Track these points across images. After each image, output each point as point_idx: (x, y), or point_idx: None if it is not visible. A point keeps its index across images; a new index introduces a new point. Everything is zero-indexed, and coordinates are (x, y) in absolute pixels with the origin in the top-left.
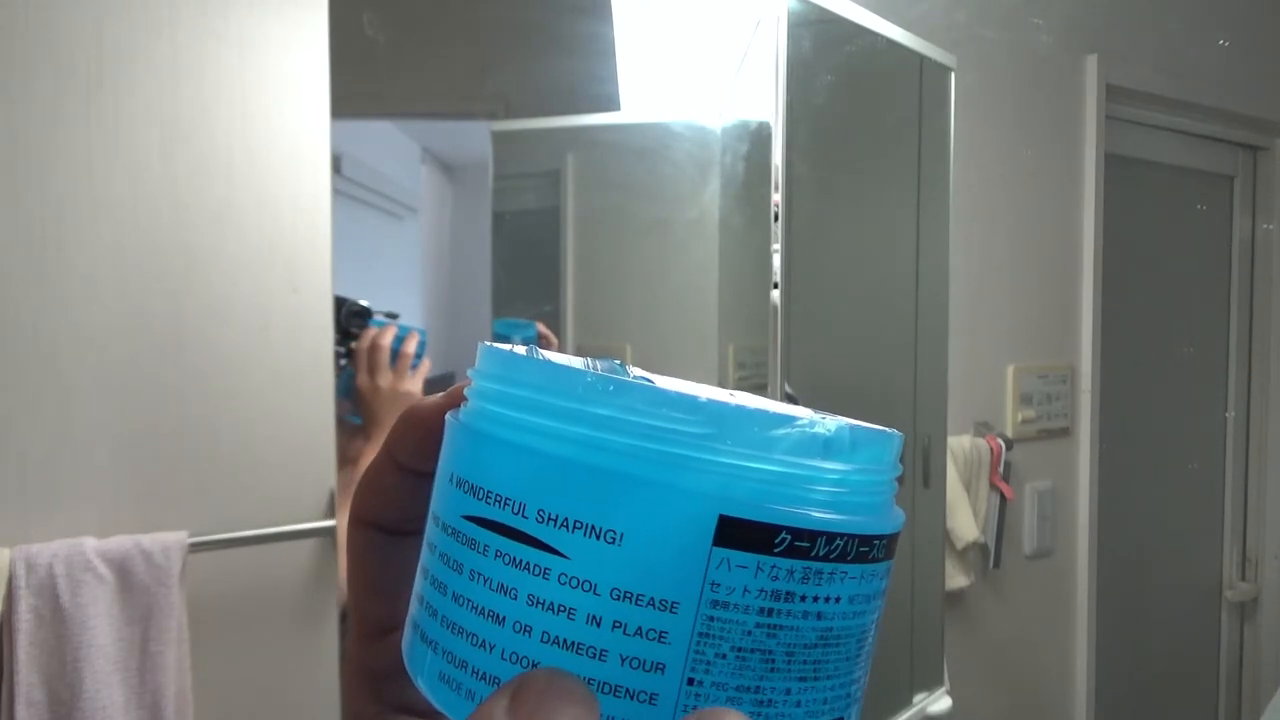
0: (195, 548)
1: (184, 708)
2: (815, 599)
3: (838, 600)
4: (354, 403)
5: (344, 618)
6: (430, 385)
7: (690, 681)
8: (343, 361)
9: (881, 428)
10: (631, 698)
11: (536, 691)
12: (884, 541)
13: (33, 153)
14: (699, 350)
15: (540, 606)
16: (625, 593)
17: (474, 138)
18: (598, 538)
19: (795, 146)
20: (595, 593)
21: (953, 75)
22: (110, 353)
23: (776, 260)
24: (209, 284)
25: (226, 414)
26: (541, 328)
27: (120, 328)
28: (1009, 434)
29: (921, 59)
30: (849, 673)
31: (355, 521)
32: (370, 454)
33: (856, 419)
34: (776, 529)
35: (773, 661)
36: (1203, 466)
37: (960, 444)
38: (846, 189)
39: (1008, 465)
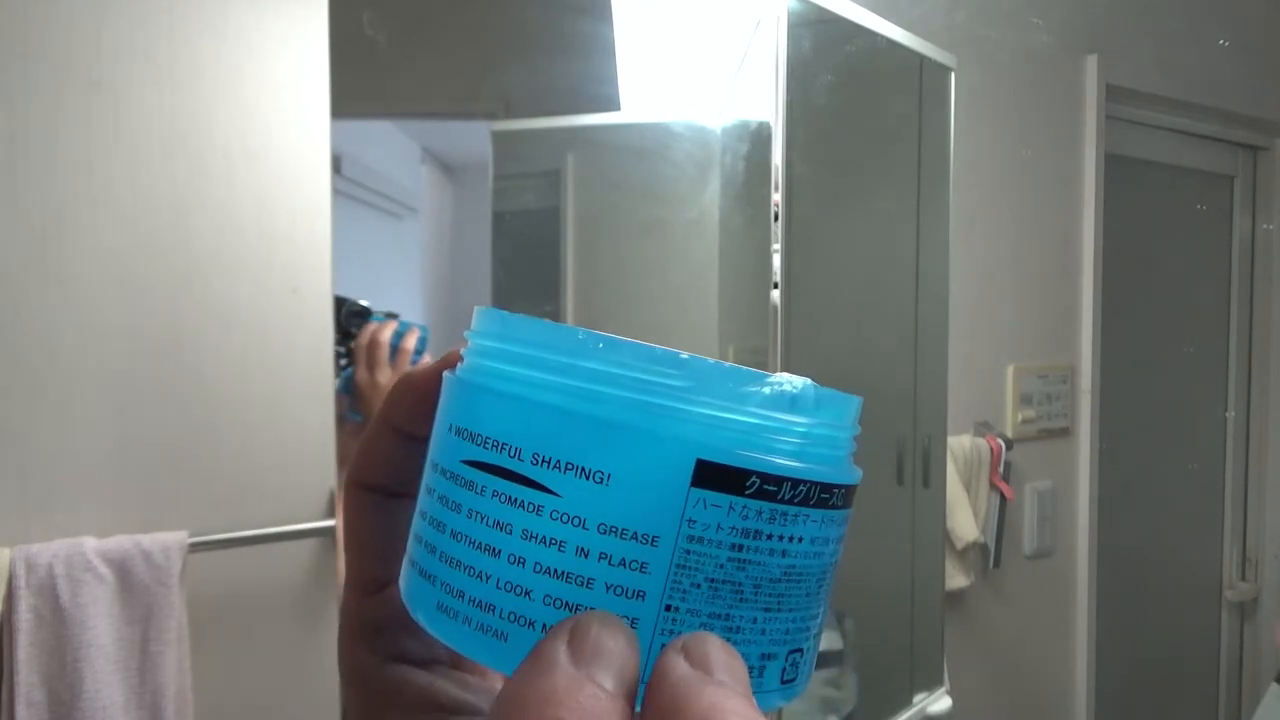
0: (195, 548)
1: (184, 708)
2: (780, 538)
3: (800, 540)
4: (353, 399)
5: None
6: None
7: (668, 608)
8: (343, 362)
9: (843, 392)
10: None
11: (593, 630)
12: (842, 490)
13: (32, 152)
14: (699, 350)
15: (533, 540)
16: (611, 527)
17: (474, 138)
18: (587, 478)
19: (795, 146)
20: (584, 527)
21: (953, 75)
22: (110, 353)
23: (776, 260)
24: (209, 284)
25: (226, 414)
26: None
27: (120, 328)
28: (1009, 434)
29: (921, 59)
30: (808, 608)
31: (352, 484)
32: None
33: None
34: (747, 473)
35: (741, 592)
36: (1203, 466)
37: (960, 444)
38: (846, 189)
39: (1008, 465)
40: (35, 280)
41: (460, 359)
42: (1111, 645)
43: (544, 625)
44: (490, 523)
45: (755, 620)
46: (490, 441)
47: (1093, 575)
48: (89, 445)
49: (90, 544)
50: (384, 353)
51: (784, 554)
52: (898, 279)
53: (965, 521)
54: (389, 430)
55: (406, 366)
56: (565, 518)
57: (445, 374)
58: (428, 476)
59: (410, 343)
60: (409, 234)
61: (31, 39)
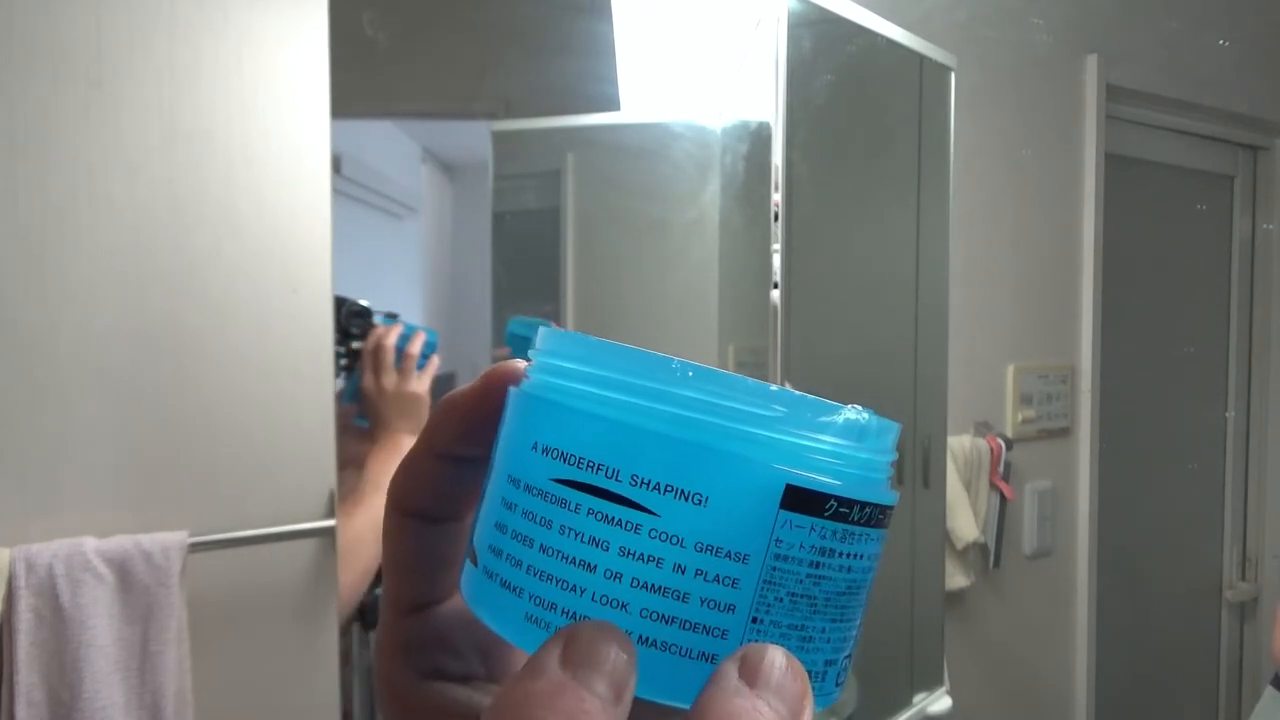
0: (195, 548)
1: (184, 708)
2: (848, 555)
3: (861, 557)
4: (360, 405)
5: (344, 618)
6: (435, 385)
7: (754, 620)
8: (343, 362)
9: (887, 419)
10: (708, 633)
11: (585, 638)
12: (890, 511)
13: (31, 152)
14: (699, 350)
15: (631, 556)
16: (707, 546)
17: (474, 138)
18: (686, 499)
19: (795, 146)
20: (682, 545)
21: (953, 75)
22: (110, 352)
23: (776, 260)
24: (208, 284)
25: (226, 414)
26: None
27: (120, 327)
28: (1009, 434)
29: (921, 59)
30: (859, 617)
31: (393, 508)
32: (377, 456)
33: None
34: (827, 497)
35: (815, 605)
36: (1203, 466)
37: (960, 444)
38: (846, 189)
39: (1008, 465)
40: (35, 280)
41: (513, 376)
42: (1111, 645)
43: (640, 636)
44: (585, 539)
45: (824, 630)
46: (585, 462)
47: (1093, 575)
48: (89, 445)
49: (90, 544)
50: (389, 357)
51: (849, 570)
52: (898, 279)
53: (965, 521)
54: (431, 454)
55: (413, 371)
56: (664, 536)
57: (516, 391)
58: (504, 491)
59: (416, 347)
60: (409, 234)
61: (31, 38)
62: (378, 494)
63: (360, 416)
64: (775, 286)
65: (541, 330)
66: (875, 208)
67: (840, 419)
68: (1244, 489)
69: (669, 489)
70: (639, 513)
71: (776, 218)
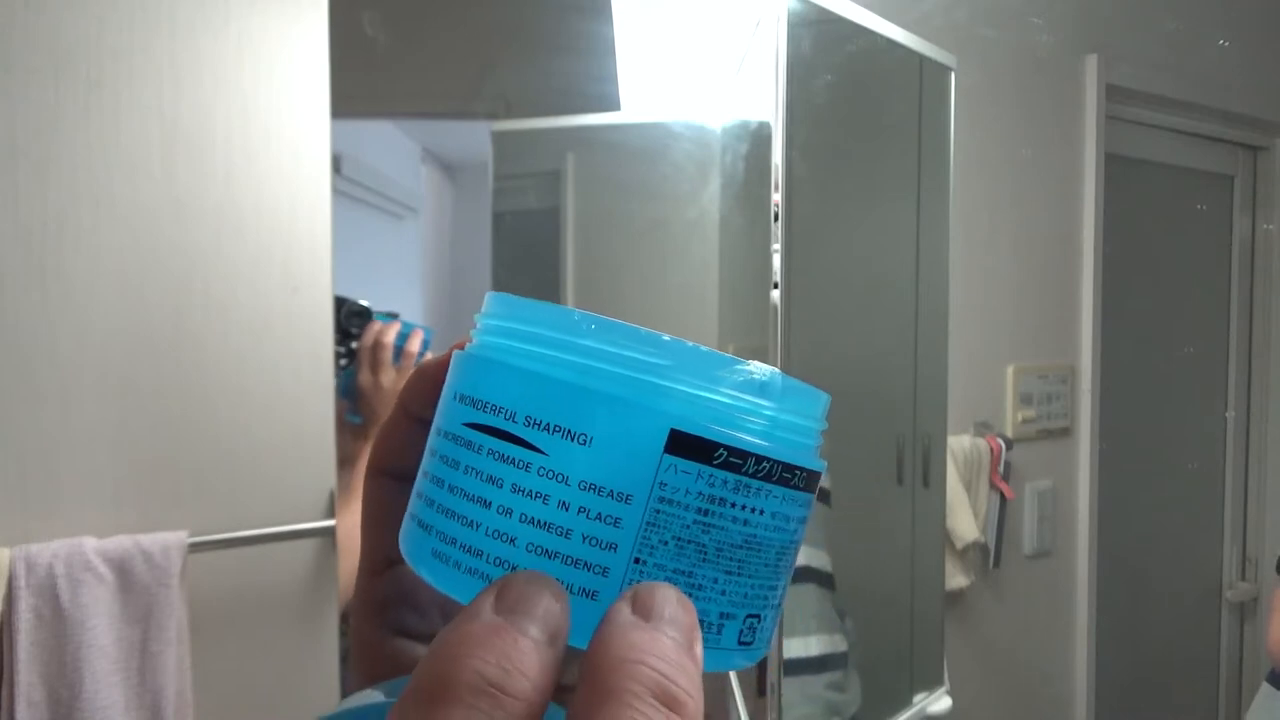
0: (195, 548)
1: (184, 708)
2: (743, 508)
3: (761, 513)
4: (355, 401)
5: (344, 618)
6: None
7: (636, 560)
8: (343, 362)
9: (812, 387)
10: (589, 569)
11: (518, 586)
12: (804, 473)
13: (32, 152)
14: None
15: (521, 493)
16: (590, 484)
17: (474, 138)
18: (571, 439)
19: (795, 146)
20: (566, 483)
21: (953, 75)
22: (110, 352)
23: (776, 260)
24: (208, 284)
25: (226, 414)
26: None
27: (120, 327)
28: (1009, 434)
29: (921, 59)
30: (767, 578)
31: (370, 470)
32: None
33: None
34: (715, 445)
35: (704, 553)
36: (1203, 466)
37: (960, 444)
38: (846, 189)
39: (1008, 465)
40: (35, 280)
41: (470, 341)
42: (1111, 645)
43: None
44: (484, 477)
45: (716, 581)
46: (489, 406)
47: (1093, 575)
48: (89, 445)
49: (90, 544)
50: (388, 355)
51: (745, 523)
52: (898, 279)
53: (965, 521)
54: (405, 417)
55: (410, 368)
56: (550, 474)
57: (456, 351)
58: (432, 441)
59: (414, 345)
60: (409, 234)
61: (31, 38)
62: None
63: (352, 413)
64: (775, 286)
65: (487, 295)
66: (875, 208)
67: (737, 373)
68: (1244, 489)
69: (557, 429)
70: (530, 452)
71: (776, 218)
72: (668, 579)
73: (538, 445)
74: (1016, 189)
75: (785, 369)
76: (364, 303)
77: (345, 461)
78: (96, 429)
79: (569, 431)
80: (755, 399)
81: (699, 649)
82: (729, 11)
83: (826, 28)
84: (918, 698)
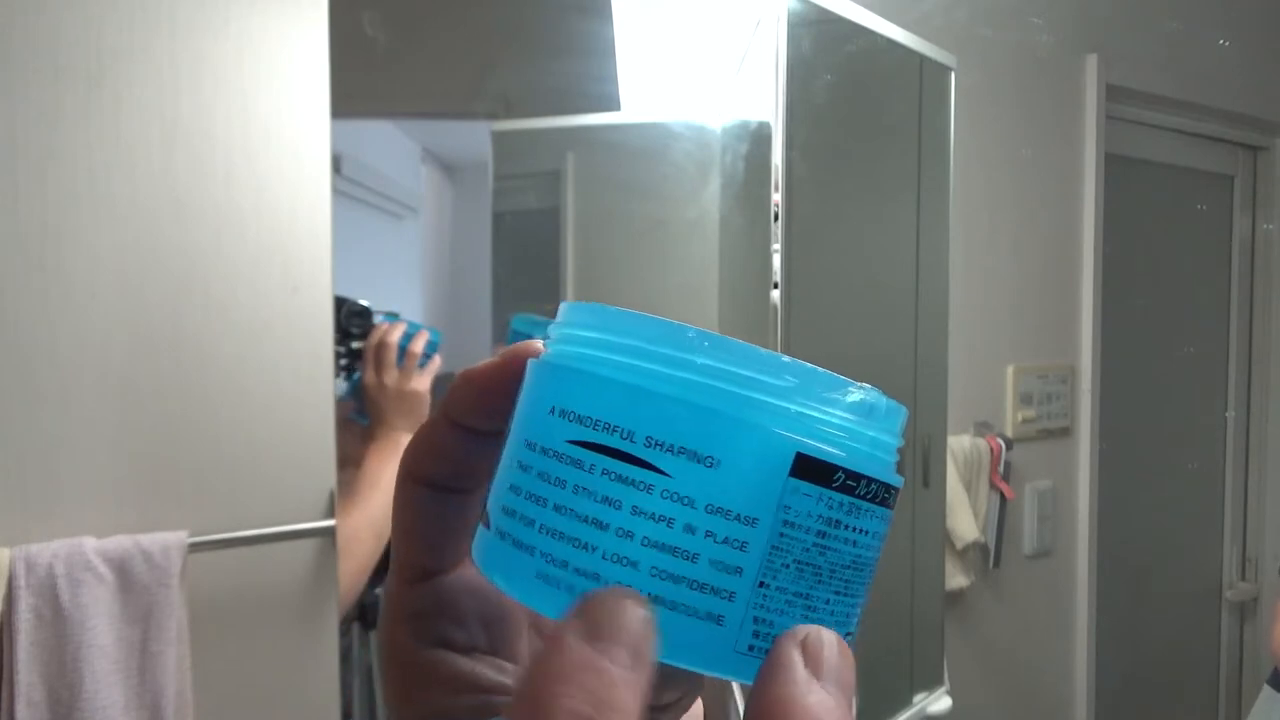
0: (195, 548)
1: (184, 708)
2: (853, 529)
3: (866, 533)
4: (360, 401)
5: (344, 619)
6: (435, 384)
7: (761, 584)
8: (343, 362)
9: (896, 402)
10: (715, 594)
11: (601, 608)
12: (896, 492)
13: (31, 152)
14: None
15: (643, 516)
16: (717, 507)
17: (474, 138)
18: (698, 461)
19: (795, 146)
20: (692, 506)
21: (953, 75)
22: (110, 352)
23: (776, 260)
24: (208, 284)
25: (226, 414)
26: None
27: (120, 327)
28: (1009, 434)
29: (921, 59)
30: (862, 595)
31: (406, 477)
32: (375, 453)
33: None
34: (835, 468)
35: (820, 575)
36: (1203, 466)
37: (960, 444)
38: (846, 189)
39: (1008, 465)
40: (35, 280)
41: (531, 352)
42: (1111, 645)
43: (649, 595)
44: (599, 498)
45: (828, 602)
46: (601, 424)
47: (1093, 575)
48: (89, 445)
49: (90, 544)
50: (392, 354)
51: (854, 544)
52: (898, 279)
53: (965, 521)
54: (446, 424)
55: (414, 369)
56: (675, 496)
57: (535, 361)
58: (520, 455)
59: (418, 345)
60: (409, 234)
61: (31, 38)
62: (375, 491)
63: (358, 413)
64: (775, 286)
65: (562, 304)
66: (875, 208)
67: (850, 396)
68: (1244, 489)
69: (682, 451)
70: (652, 473)
71: (776, 218)
72: (788, 601)
73: (660, 467)
74: (1016, 189)
75: None
76: (364, 303)
77: (350, 462)
78: (96, 429)
79: (695, 453)
80: (865, 420)
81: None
82: (729, 11)
83: (826, 28)
84: (918, 698)
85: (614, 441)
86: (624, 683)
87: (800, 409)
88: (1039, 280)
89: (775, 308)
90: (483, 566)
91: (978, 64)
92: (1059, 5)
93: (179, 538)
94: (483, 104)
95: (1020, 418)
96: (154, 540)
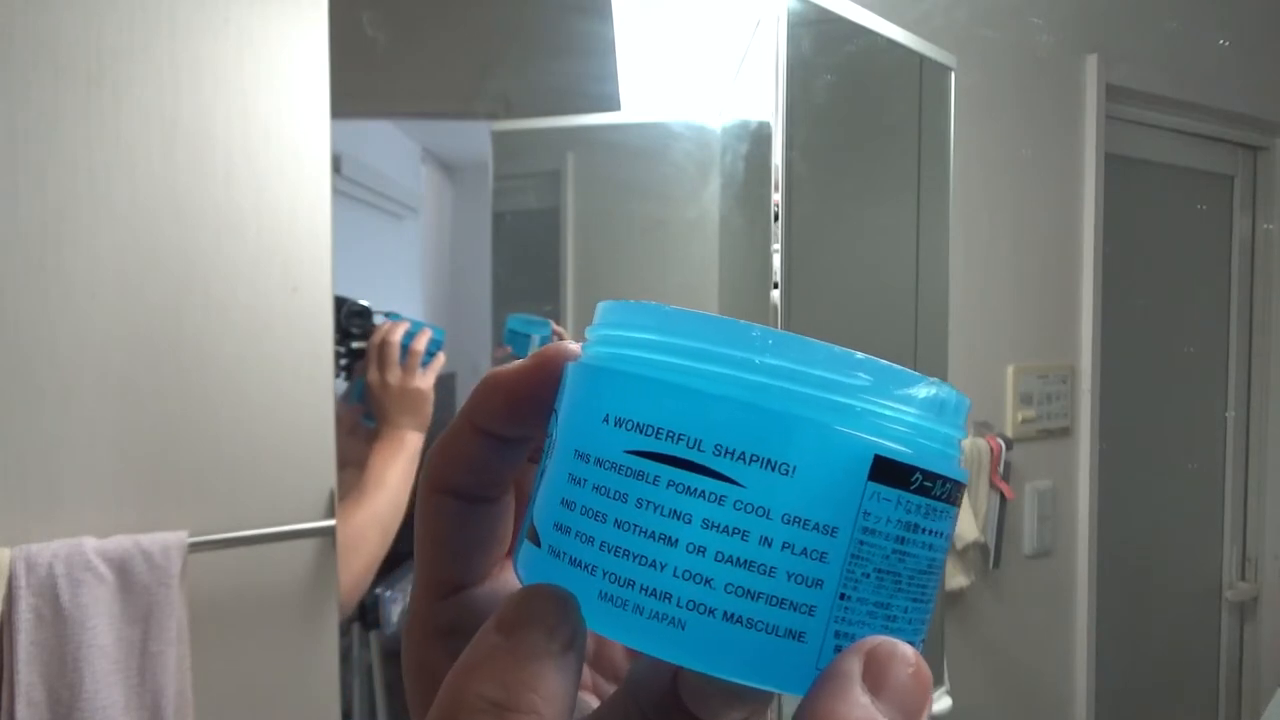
0: (195, 548)
1: (184, 708)
2: (930, 532)
3: (940, 535)
4: (367, 403)
5: (345, 616)
6: (438, 384)
7: (842, 596)
8: (343, 362)
9: (962, 395)
10: (795, 609)
11: (515, 601)
12: (963, 490)
13: (31, 152)
14: None
15: (715, 529)
16: (795, 517)
17: (474, 138)
18: (773, 469)
19: (795, 146)
20: (768, 517)
21: (953, 75)
22: (110, 352)
23: (776, 260)
24: (208, 284)
25: (226, 414)
26: (556, 327)
27: (120, 327)
28: (1009, 434)
29: (921, 59)
30: (933, 600)
31: (430, 488)
32: (379, 452)
33: None
34: (913, 469)
35: (899, 582)
36: (1203, 466)
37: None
38: (846, 189)
39: (1008, 465)
40: (34, 280)
41: (568, 355)
42: (1111, 645)
43: (725, 613)
44: (666, 512)
45: (906, 610)
46: (665, 432)
47: (1093, 575)
48: (89, 445)
49: (90, 544)
50: (394, 353)
51: (930, 547)
52: (898, 279)
53: (965, 521)
54: (471, 431)
55: (417, 368)
56: (750, 508)
57: (577, 365)
58: (570, 467)
59: (420, 344)
60: (409, 234)
61: (31, 38)
62: (380, 489)
63: (367, 416)
64: (775, 286)
65: (601, 304)
66: (875, 208)
67: (922, 392)
68: (1244, 489)
69: (755, 459)
70: (724, 484)
71: (776, 218)
72: (870, 613)
73: (732, 477)
74: (1016, 189)
75: None
76: (364, 303)
77: (354, 463)
78: (96, 429)
79: (769, 461)
80: (937, 417)
81: None
82: (729, 11)
83: (826, 28)
84: None
85: (680, 451)
86: (536, 661)
87: (875, 408)
88: (1039, 280)
89: (775, 308)
90: (532, 583)
91: (978, 64)
92: (1059, 5)
93: (179, 538)
94: (483, 104)
95: (1020, 418)
96: (154, 540)
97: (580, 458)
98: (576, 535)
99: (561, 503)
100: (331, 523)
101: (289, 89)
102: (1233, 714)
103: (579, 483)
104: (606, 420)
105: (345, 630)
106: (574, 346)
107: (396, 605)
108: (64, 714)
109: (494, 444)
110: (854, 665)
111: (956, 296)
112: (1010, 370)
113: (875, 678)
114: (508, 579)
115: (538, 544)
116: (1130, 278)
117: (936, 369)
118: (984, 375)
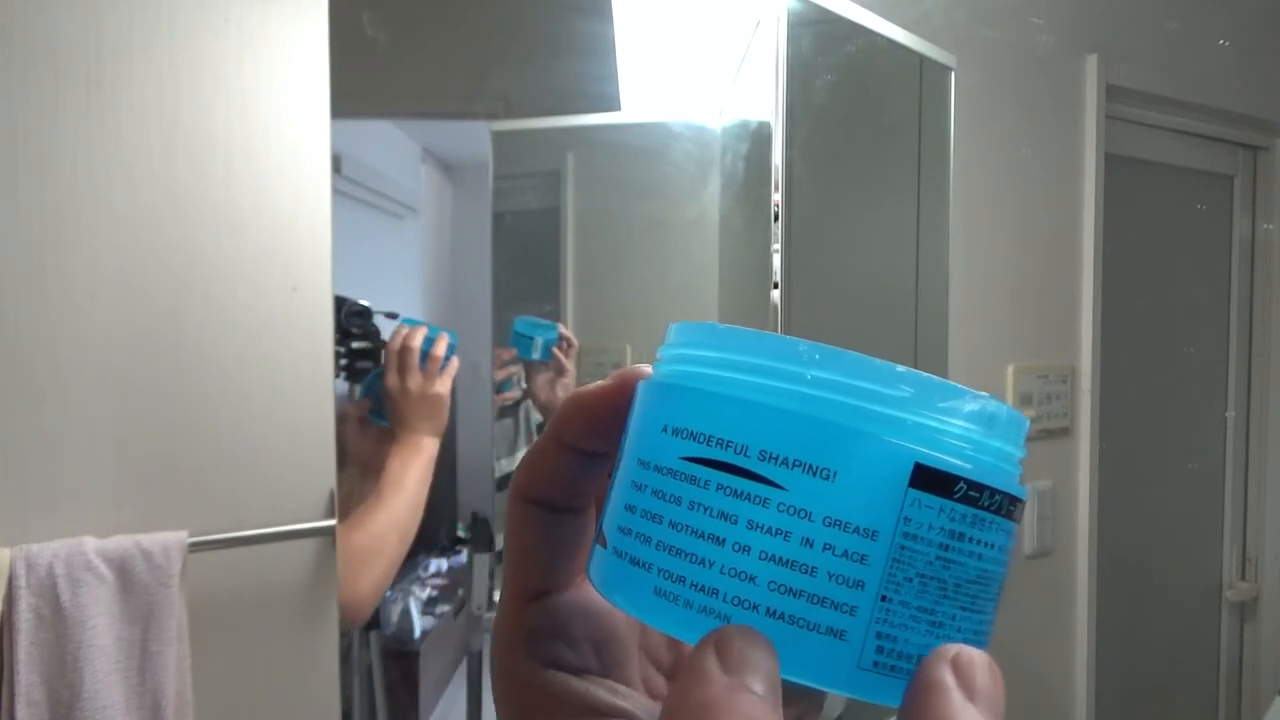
0: (195, 548)
1: (184, 708)
2: (978, 542)
3: (992, 546)
4: (379, 403)
5: (367, 616)
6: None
7: (883, 598)
8: (343, 362)
9: (1018, 412)
10: (836, 608)
11: (737, 643)
12: (1021, 505)
13: (31, 152)
14: None
15: (759, 530)
16: (835, 520)
17: (474, 138)
18: (814, 474)
19: (795, 146)
20: (810, 519)
21: (953, 75)
22: (110, 352)
23: (776, 260)
24: (208, 284)
25: (226, 414)
26: (564, 330)
27: (120, 327)
28: None
29: (921, 59)
30: (990, 612)
31: (517, 496)
32: (397, 455)
33: None
34: (956, 478)
35: (945, 589)
36: (1203, 466)
37: None
38: (846, 189)
39: None
40: (34, 280)
41: (641, 375)
42: (1111, 645)
43: (768, 609)
44: (714, 513)
45: (954, 617)
46: (715, 440)
47: (1093, 575)
48: (89, 445)
49: (90, 544)
50: (415, 359)
51: (980, 557)
52: (898, 279)
53: None
54: (557, 446)
55: (436, 372)
56: (792, 510)
57: (645, 382)
58: (634, 474)
59: (440, 349)
60: (409, 234)
61: (31, 38)
62: (399, 493)
63: (377, 415)
64: (775, 286)
65: (670, 325)
66: (875, 208)
67: (968, 405)
68: (1244, 489)
69: (797, 464)
70: (767, 487)
71: (776, 218)
72: (913, 616)
73: (776, 480)
74: (1016, 189)
75: None
76: (364, 303)
77: (361, 461)
78: (96, 429)
79: (811, 466)
80: (985, 430)
81: None
82: (729, 11)
83: (826, 28)
84: None
85: (728, 456)
86: (763, 710)
87: (918, 419)
88: (1039, 280)
89: (775, 308)
90: (600, 586)
91: (978, 64)
92: (1059, 5)
93: (179, 538)
94: (483, 104)
95: None
96: (154, 540)
97: (642, 465)
98: (637, 536)
99: (625, 507)
100: (332, 523)
101: (289, 89)
102: (1233, 714)
103: (640, 488)
104: (665, 430)
105: (345, 630)
106: (645, 368)
107: (396, 606)
108: (64, 714)
109: (577, 458)
110: (947, 674)
111: (956, 296)
112: (1010, 370)
113: (967, 685)
114: (590, 587)
115: (605, 546)
116: (1130, 278)
117: (936, 369)
118: (984, 375)
